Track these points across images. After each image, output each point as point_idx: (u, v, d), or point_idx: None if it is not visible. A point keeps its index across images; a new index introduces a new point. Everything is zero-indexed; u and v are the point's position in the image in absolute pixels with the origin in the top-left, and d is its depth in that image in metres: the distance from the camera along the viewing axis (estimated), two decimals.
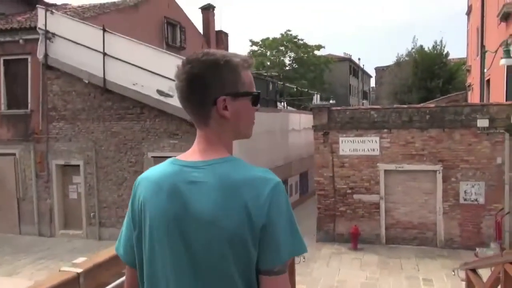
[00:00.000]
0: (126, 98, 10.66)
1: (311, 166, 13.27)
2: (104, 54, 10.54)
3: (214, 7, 19.07)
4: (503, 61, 9.29)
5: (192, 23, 17.88)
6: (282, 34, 34.98)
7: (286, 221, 0.99)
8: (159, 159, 10.77)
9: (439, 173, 9.71)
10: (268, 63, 34.14)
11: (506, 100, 10.15)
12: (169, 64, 10.46)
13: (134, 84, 10.47)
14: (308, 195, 15.43)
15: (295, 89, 19.80)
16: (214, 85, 1.05)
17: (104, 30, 10.53)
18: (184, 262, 0.99)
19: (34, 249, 10.54)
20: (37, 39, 10.94)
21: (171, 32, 16.38)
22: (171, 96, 10.41)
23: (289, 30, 35.00)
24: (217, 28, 19.61)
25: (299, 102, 19.03)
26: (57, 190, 11.41)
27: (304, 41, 34.57)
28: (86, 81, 10.82)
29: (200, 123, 1.09)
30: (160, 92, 10.42)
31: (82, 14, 12.66)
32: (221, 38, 19.68)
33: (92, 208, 11.18)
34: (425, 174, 9.89)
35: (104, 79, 10.60)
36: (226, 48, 20.60)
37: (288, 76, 30.91)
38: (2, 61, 11.54)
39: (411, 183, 10.04)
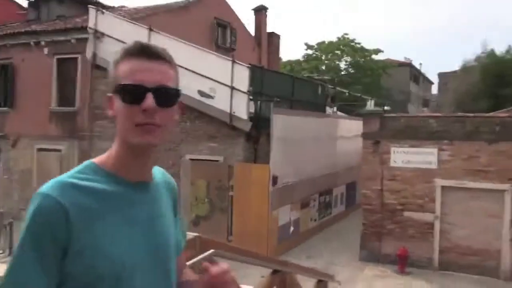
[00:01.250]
0: None
1: (359, 177, 12.36)
2: None
3: (267, 8, 18.67)
4: None
5: (243, 25, 17.61)
6: (338, 38, 33.90)
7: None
8: (196, 162, 10.55)
9: (508, 193, 8.43)
10: (323, 67, 33.22)
11: None
12: (213, 64, 10.20)
13: None
14: (354, 207, 14.43)
15: (347, 94, 18.82)
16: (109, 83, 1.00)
17: (150, 30, 10.48)
18: None
19: None
20: (87, 39, 11.16)
21: (221, 33, 16.20)
22: (212, 97, 10.11)
23: (346, 34, 33.84)
24: (269, 30, 19.19)
25: (352, 108, 18.06)
26: None
27: (361, 45, 33.22)
28: None
29: None
30: (201, 93, 10.15)
31: (134, 15, 12.81)
32: (273, 40, 19.21)
33: None
34: (490, 193, 8.65)
35: None
36: (277, 51, 20.11)
37: (343, 81, 29.84)
38: (55, 60, 11.94)
39: (473, 203, 8.84)
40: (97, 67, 11.21)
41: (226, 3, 16.52)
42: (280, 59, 23.81)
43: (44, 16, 14.52)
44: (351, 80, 30.85)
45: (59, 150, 11.92)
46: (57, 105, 12.06)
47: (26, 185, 12.36)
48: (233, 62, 9.80)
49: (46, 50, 11.96)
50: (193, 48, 10.44)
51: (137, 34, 10.69)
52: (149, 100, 0.90)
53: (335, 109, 15.97)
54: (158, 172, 1.10)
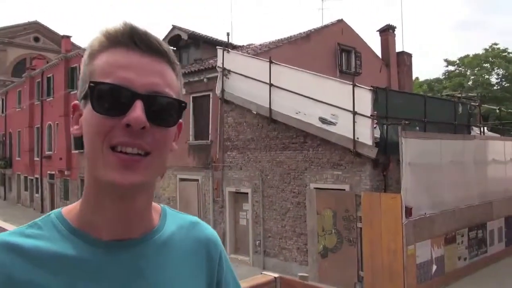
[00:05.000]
0: (290, 127, 10.54)
1: None
2: (270, 85, 10.78)
3: (394, 27, 17.66)
4: None
5: (368, 47, 16.93)
6: (486, 49, 30.08)
7: None
8: (321, 191, 10.19)
9: None
10: (470, 83, 29.67)
11: None
12: (334, 90, 9.92)
13: (297, 113, 10.27)
14: None
15: (497, 111, 16.20)
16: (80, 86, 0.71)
17: (270, 62, 10.81)
18: None
19: None
20: (217, 77, 12.11)
21: (345, 58, 15.85)
22: (333, 124, 9.77)
23: (495, 44, 29.83)
24: (398, 49, 18.03)
25: (509, 127, 15.47)
26: (229, 215, 12.07)
27: None
28: (255, 112, 11.25)
29: None
30: (322, 120, 9.90)
31: (258, 51, 13.48)
32: (403, 59, 17.95)
33: (257, 236, 11.31)
34: None
35: (270, 109, 10.78)
36: (409, 70, 18.66)
37: (498, 97, 26.15)
38: (191, 98, 13.23)
39: None
40: (226, 102, 12.01)
41: (350, 27, 16.18)
42: (416, 79, 21.99)
43: (184, 61, 16.42)
44: (507, 95, 26.82)
45: (196, 180, 12.98)
46: (194, 139, 13.25)
47: None
48: (354, 85, 9.34)
49: (184, 90, 13.29)
50: (313, 76, 10.36)
51: (260, 68, 11.17)
52: (138, 110, 0.61)
53: (484, 129, 13.86)
54: (176, 222, 0.78)
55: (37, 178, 24.26)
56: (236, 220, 12.08)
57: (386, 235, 8.79)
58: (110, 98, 0.62)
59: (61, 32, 38.60)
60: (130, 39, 0.65)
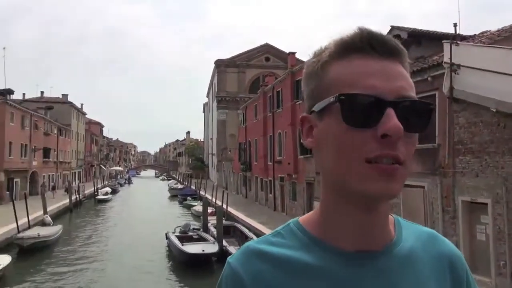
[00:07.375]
0: None
1: None
2: None
3: None
4: None
5: None
6: None
7: None
8: None
9: None
10: None
11: None
12: None
13: None
14: None
15: None
16: (305, 101, 0.71)
17: None
18: None
19: None
20: (443, 74, 10.98)
21: None
22: None
23: None
24: None
25: None
26: (463, 228, 10.68)
27: None
28: (494, 110, 9.63)
29: None
30: None
31: (495, 38, 11.56)
32: None
33: (502, 256, 9.59)
34: None
35: None
36: None
37: None
38: None
39: None
40: (455, 100, 10.75)
41: None
42: None
43: None
44: None
45: (422, 187, 12.09)
46: (418, 143, 12.35)
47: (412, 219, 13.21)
48: None
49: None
50: None
51: (500, 57, 9.55)
52: (394, 119, 0.58)
53: None
54: (413, 234, 0.74)
55: (270, 180, 27.68)
56: (472, 234, 10.57)
57: None
58: (362, 109, 0.60)
59: (286, 49, 43.01)
60: (368, 43, 0.63)
